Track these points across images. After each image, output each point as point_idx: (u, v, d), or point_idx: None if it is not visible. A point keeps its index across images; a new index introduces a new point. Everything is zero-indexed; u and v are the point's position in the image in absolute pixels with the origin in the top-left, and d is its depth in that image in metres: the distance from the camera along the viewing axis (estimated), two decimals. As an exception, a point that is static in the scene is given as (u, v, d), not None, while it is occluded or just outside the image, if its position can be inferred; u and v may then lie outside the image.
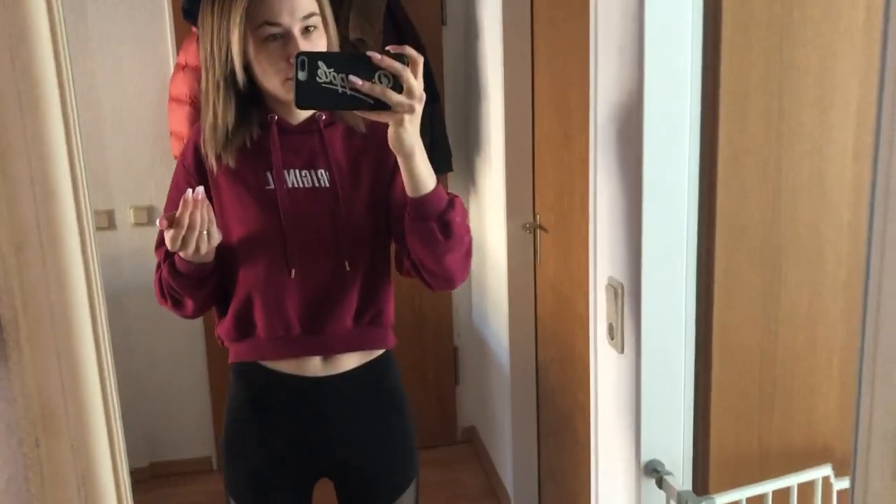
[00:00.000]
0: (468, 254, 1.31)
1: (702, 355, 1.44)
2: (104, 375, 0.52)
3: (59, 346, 0.52)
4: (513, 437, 2.63)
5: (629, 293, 1.48)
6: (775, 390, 1.46)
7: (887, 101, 0.56)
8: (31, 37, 0.48)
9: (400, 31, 2.48)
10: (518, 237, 2.46)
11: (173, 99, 2.56)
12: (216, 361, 2.93)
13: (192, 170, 1.36)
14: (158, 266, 1.37)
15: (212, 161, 1.32)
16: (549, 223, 2.29)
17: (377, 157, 1.36)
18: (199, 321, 2.90)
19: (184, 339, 2.91)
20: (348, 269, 1.35)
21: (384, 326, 1.43)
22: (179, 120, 2.54)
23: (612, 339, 1.56)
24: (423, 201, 1.21)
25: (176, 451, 3.00)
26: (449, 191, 1.29)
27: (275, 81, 1.27)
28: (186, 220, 1.18)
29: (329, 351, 1.39)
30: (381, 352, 1.45)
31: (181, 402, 2.96)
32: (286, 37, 1.24)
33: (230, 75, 1.27)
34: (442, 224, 1.22)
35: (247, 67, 1.28)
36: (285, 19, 1.24)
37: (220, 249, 1.33)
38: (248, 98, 1.31)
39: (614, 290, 1.52)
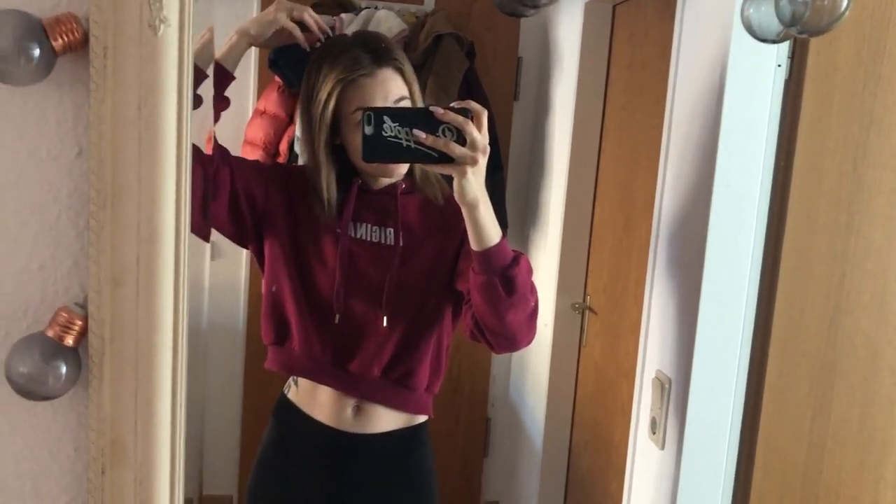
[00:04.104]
0: (533, 314, 1.29)
1: (744, 463, 1.41)
2: (176, 415, 0.54)
3: (138, 381, 0.54)
4: (537, 517, 2.57)
5: (676, 389, 1.47)
6: (817, 509, 1.42)
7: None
8: (160, 89, 0.52)
9: (473, 101, 2.54)
10: (566, 316, 2.46)
11: (248, 142, 2.65)
12: (251, 400, 2.95)
13: (260, 179, 1.39)
14: None
15: (316, 213, 1.38)
16: (600, 305, 2.29)
17: (448, 228, 1.39)
18: (238, 358, 2.93)
19: (219, 374, 2.94)
20: (385, 325, 1.37)
21: (413, 390, 1.43)
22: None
23: (654, 433, 1.54)
24: (486, 254, 1.21)
25: (196, 486, 3.00)
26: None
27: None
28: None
29: (355, 393, 1.40)
30: (416, 422, 1.45)
31: (210, 439, 2.98)
32: None
33: (331, 154, 1.34)
34: (505, 279, 1.22)
35: (341, 145, 1.35)
36: (377, 104, 1.29)
37: (279, 274, 1.39)
38: (342, 173, 1.37)
39: (661, 384, 1.51)
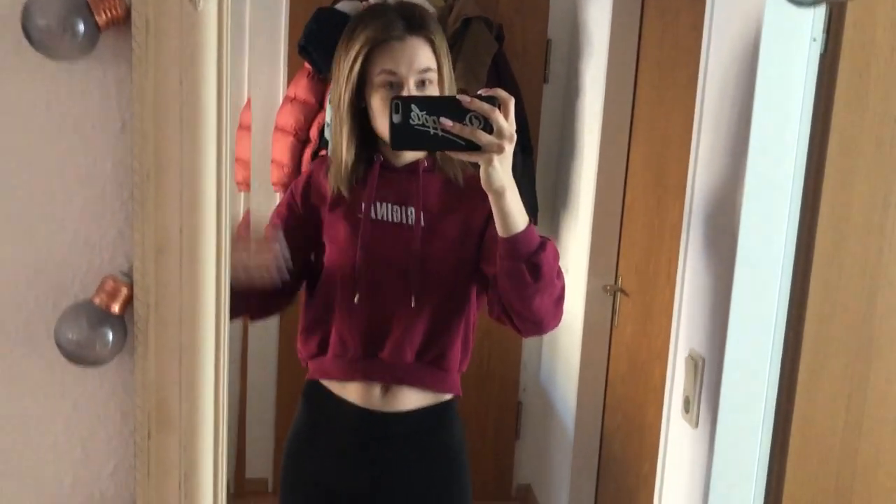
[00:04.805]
0: (560, 299, 1.31)
1: (779, 441, 1.40)
2: (219, 380, 0.55)
3: (182, 347, 0.55)
4: (569, 501, 2.58)
5: (710, 368, 1.46)
6: (853, 490, 1.40)
7: None
8: (200, 61, 0.53)
9: (503, 85, 2.54)
10: (597, 298, 2.45)
11: (279, 129, 2.67)
12: (285, 386, 2.99)
13: (300, 201, 1.45)
14: None
15: (333, 189, 1.40)
16: (631, 287, 2.28)
17: (471, 208, 1.40)
18: (272, 346, 2.97)
19: (254, 361, 2.98)
20: (413, 304, 1.38)
21: (447, 371, 1.44)
22: (282, 149, 2.65)
23: (687, 412, 1.53)
24: (513, 241, 1.22)
25: (232, 469, 3.05)
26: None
27: (384, 125, 1.34)
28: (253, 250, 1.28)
29: (387, 379, 1.41)
30: (444, 399, 1.46)
31: (245, 422, 3.02)
32: (400, 86, 1.31)
33: (354, 116, 1.35)
34: (531, 265, 1.23)
35: (365, 109, 1.36)
36: (402, 69, 1.31)
37: (314, 268, 1.43)
38: (363, 139, 1.39)
39: (695, 362, 1.51)
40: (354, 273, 1.38)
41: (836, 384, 1.37)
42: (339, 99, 1.36)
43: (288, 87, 2.77)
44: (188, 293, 0.55)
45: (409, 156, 1.40)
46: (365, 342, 1.40)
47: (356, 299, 1.38)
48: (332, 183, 1.40)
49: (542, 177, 2.85)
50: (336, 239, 1.41)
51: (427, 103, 1.17)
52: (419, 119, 1.15)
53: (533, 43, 2.81)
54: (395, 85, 1.32)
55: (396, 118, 1.15)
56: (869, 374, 1.37)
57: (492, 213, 1.32)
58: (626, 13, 2.28)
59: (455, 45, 2.57)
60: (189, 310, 0.55)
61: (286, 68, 2.84)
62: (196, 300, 0.55)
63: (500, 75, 2.60)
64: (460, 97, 1.15)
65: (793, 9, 1.30)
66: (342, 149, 1.38)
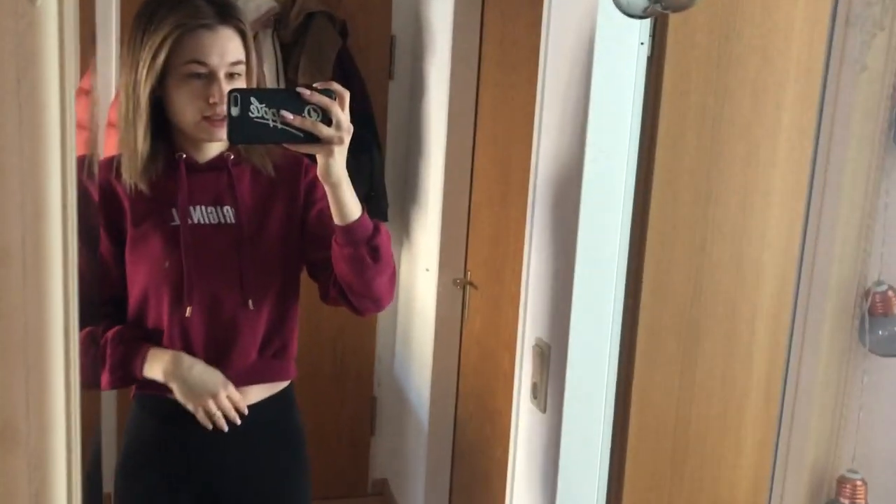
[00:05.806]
0: (394, 276, 1.36)
1: (620, 419, 1.50)
2: (70, 396, 0.53)
3: (28, 363, 0.52)
4: (425, 492, 2.63)
5: (556, 355, 1.54)
6: (687, 457, 1.53)
7: (815, 198, 0.64)
8: (39, 61, 0.50)
9: (348, 81, 2.53)
10: (448, 291, 2.51)
11: (112, 124, 2.53)
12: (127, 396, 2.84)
13: (105, 220, 1.36)
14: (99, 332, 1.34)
15: (127, 186, 1.32)
16: (480, 280, 2.35)
17: (286, 196, 1.39)
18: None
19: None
20: (252, 307, 1.36)
21: (287, 359, 1.45)
22: (114, 144, 2.52)
23: (536, 398, 1.61)
24: (351, 228, 1.25)
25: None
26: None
27: (190, 118, 1.29)
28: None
29: (234, 383, 1.39)
30: (283, 386, 1.46)
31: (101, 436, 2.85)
32: (210, 77, 1.27)
33: (150, 106, 1.28)
34: (371, 248, 1.27)
35: (159, 101, 1.29)
36: (213, 60, 1.27)
37: (126, 282, 1.37)
38: (158, 133, 1.32)
39: (541, 350, 1.58)
40: (183, 286, 1.33)
41: (669, 364, 1.48)
42: (135, 87, 1.27)
43: (120, 80, 2.63)
44: (34, 307, 0.52)
45: (213, 150, 1.36)
46: (208, 352, 1.36)
47: (189, 312, 1.34)
48: (129, 179, 1.31)
49: (390, 173, 2.87)
50: (150, 255, 1.34)
51: (266, 96, 1.17)
52: (259, 112, 1.15)
53: (377, 39, 2.82)
54: (202, 76, 1.26)
55: (235, 111, 1.14)
56: (697, 353, 1.49)
57: (308, 199, 1.37)
58: (467, 12, 2.34)
59: (298, 41, 2.54)
60: (35, 324, 0.52)
61: (118, 60, 2.69)
62: (42, 314, 0.52)
63: (345, 72, 2.59)
64: (300, 90, 1.16)
65: (621, 15, 1.39)
66: (137, 141, 1.29)
